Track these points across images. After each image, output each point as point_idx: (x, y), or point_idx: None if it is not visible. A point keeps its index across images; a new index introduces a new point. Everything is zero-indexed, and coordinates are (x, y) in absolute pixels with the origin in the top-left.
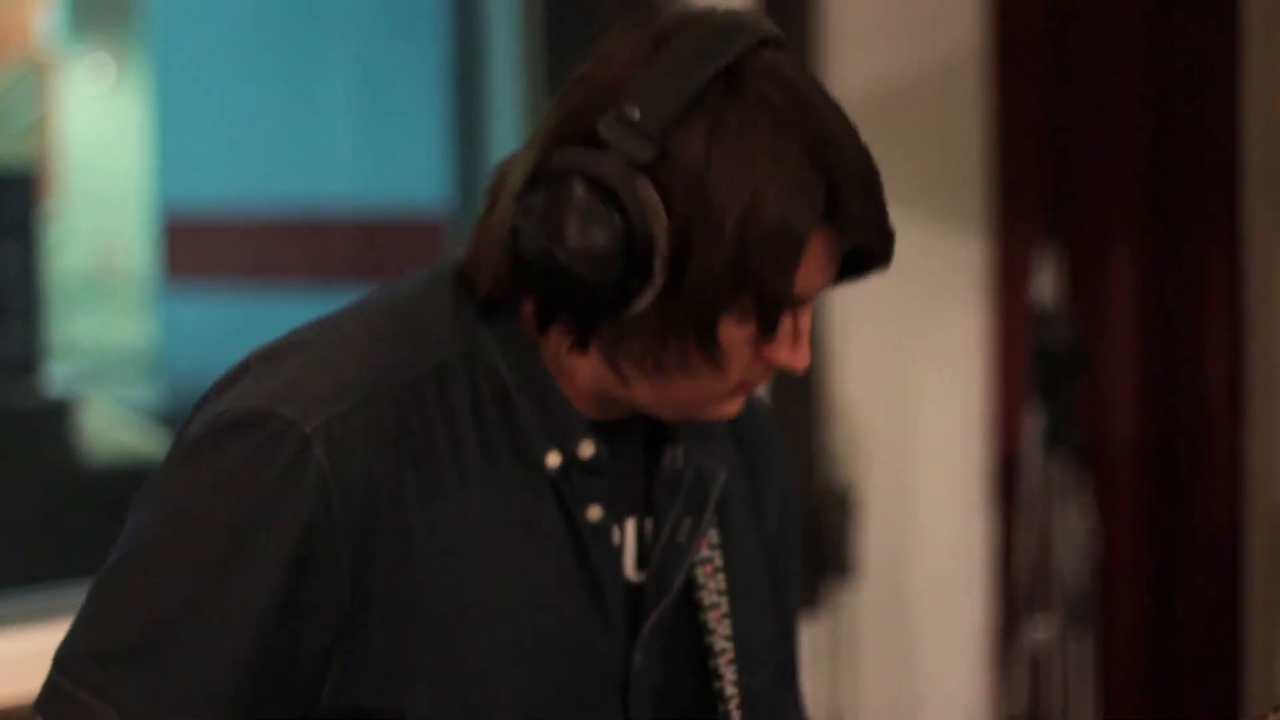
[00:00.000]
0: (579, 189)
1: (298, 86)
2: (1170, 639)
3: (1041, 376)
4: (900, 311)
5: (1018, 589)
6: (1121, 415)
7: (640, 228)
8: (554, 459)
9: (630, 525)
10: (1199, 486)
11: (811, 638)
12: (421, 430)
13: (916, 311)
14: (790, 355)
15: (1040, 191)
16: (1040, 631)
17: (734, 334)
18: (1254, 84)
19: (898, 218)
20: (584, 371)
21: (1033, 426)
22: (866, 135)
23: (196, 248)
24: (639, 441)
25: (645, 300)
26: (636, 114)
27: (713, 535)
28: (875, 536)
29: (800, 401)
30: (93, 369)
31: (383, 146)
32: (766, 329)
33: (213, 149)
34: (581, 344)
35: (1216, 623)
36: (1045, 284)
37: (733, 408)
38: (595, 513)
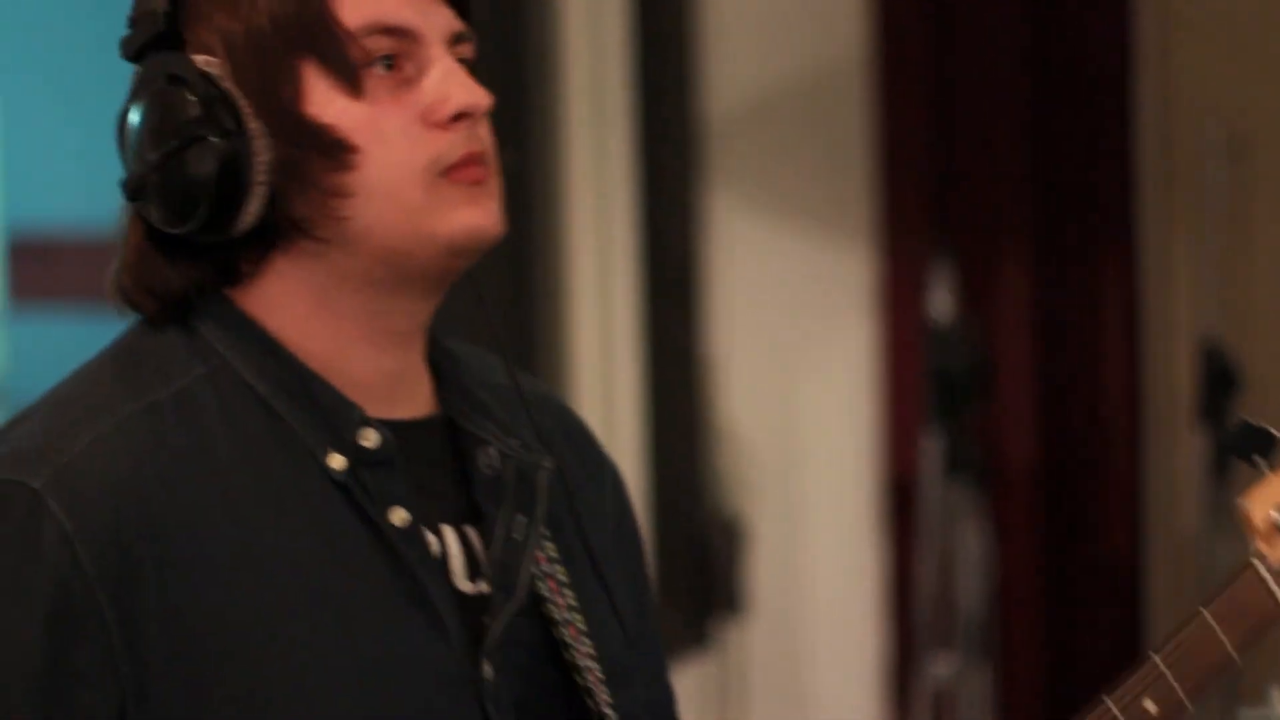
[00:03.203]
0: (132, 104)
1: None
2: (1070, 670)
3: (939, 397)
4: (785, 330)
5: (917, 621)
6: (1016, 436)
7: (189, 76)
8: (336, 460)
9: (450, 534)
10: (1097, 510)
11: (699, 677)
12: (170, 460)
13: (802, 329)
14: (460, 92)
15: (927, 203)
16: (941, 666)
17: (331, 102)
18: (1147, 89)
19: (780, 232)
20: (311, 309)
21: (930, 449)
22: (745, 146)
23: (45, 269)
24: (440, 446)
25: (258, 132)
26: (132, 13)
27: (549, 549)
28: (764, 568)
29: (683, 425)
30: None
31: None
32: (346, 72)
33: (61, 166)
34: (260, 242)
35: (1118, 652)
36: (938, 299)
37: (477, 211)
38: (400, 515)
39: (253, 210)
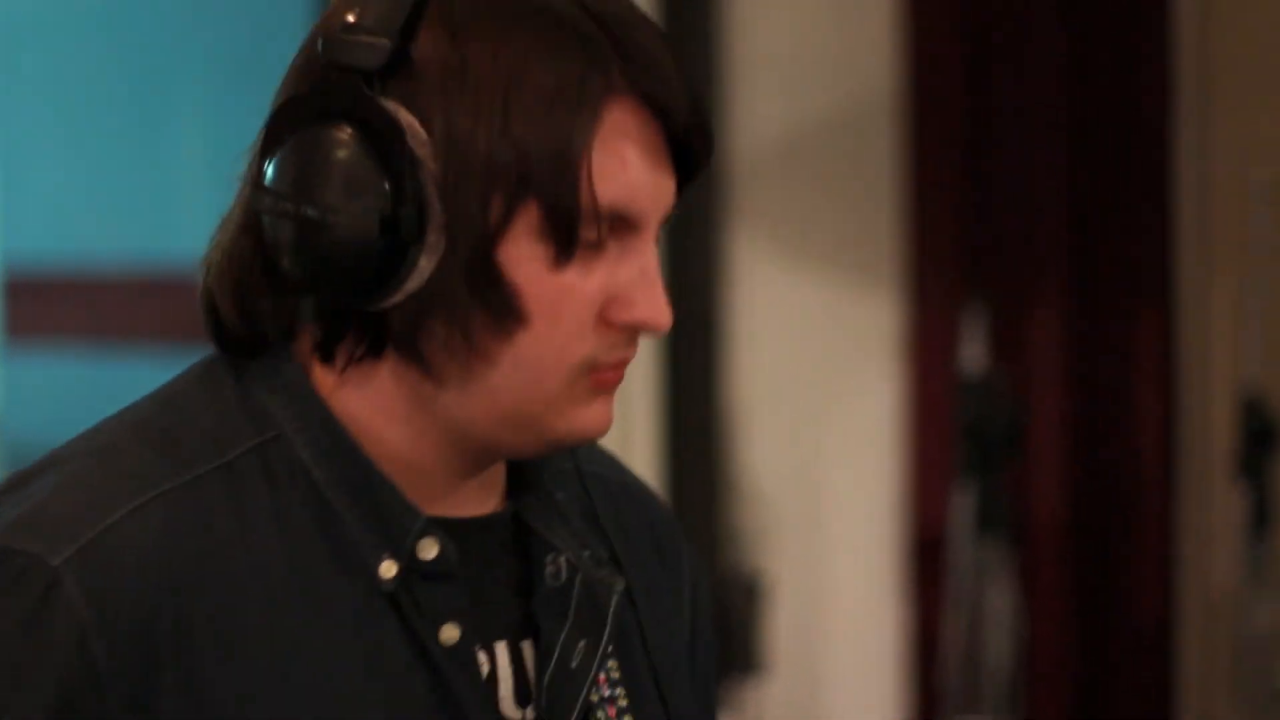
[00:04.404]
0: (312, 130)
1: (146, 139)
2: None
3: (971, 451)
4: (810, 379)
5: (942, 682)
6: (1046, 491)
7: (397, 151)
8: (388, 568)
9: (503, 651)
10: (1130, 569)
11: None
12: (212, 546)
13: (828, 379)
14: (648, 304)
15: (959, 248)
16: None
17: (529, 264)
18: (1187, 133)
19: (806, 278)
20: (391, 418)
21: (960, 505)
22: (771, 188)
23: (39, 307)
24: (504, 547)
25: (435, 245)
26: (351, 17)
27: (612, 668)
28: (785, 628)
29: (702, 476)
30: None
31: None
32: (563, 240)
33: (57, 204)
34: (375, 345)
35: (1148, 715)
36: (969, 349)
37: (597, 414)
38: (451, 633)
39: (388, 322)
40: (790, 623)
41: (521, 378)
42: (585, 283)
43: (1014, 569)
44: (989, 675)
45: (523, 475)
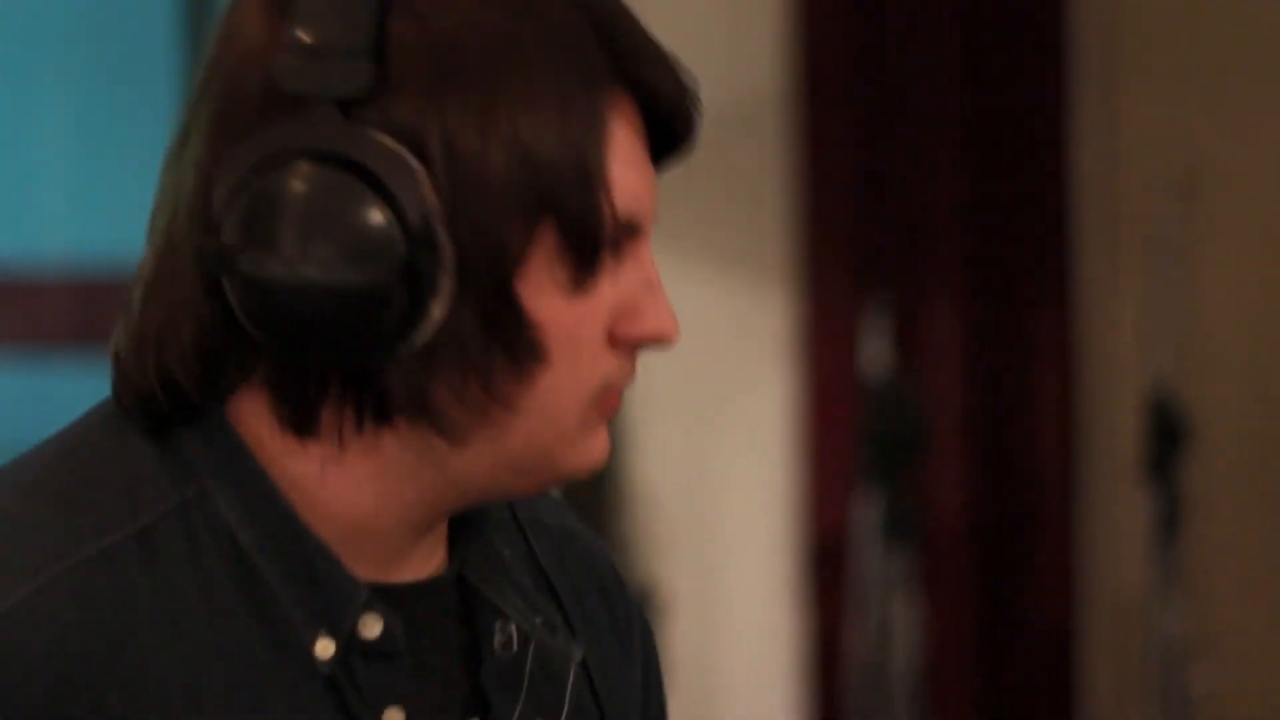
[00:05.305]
0: (291, 176)
1: (7, 133)
2: None
3: (876, 455)
4: (703, 383)
5: (844, 693)
6: (947, 494)
7: (397, 188)
8: (325, 647)
9: None
10: (1033, 576)
11: None
12: (128, 630)
13: (721, 382)
14: (656, 315)
15: (855, 246)
16: None
17: (548, 293)
18: (1091, 126)
19: (696, 277)
20: (386, 485)
21: (863, 511)
22: (662, 183)
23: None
24: (448, 614)
25: (446, 289)
26: (307, 37)
27: None
28: (681, 639)
29: (592, 486)
30: None
31: (104, 198)
32: (584, 262)
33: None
34: (382, 413)
35: None
36: (870, 349)
37: (603, 441)
38: (395, 718)
39: (387, 386)
40: (687, 635)
41: (543, 420)
42: (599, 303)
43: (916, 575)
44: (893, 685)
45: (465, 527)
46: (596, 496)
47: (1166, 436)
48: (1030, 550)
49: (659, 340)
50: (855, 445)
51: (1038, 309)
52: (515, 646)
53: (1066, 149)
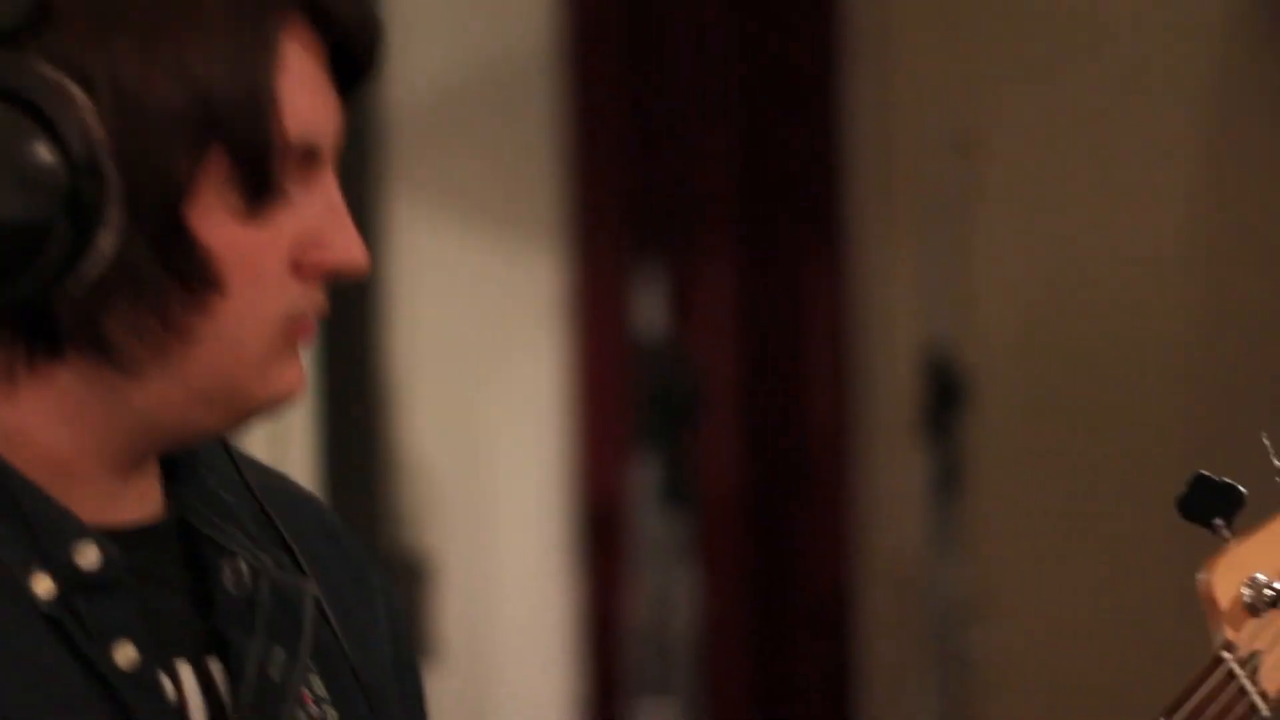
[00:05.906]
0: None
1: None
2: (779, 709)
3: (651, 418)
4: (472, 346)
5: (620, 663)
6: (720, 458)
7: (60, 120)
8: (44, 585)
9: (187, 672)
10: (808, 540)
11: None
12: None
13: (491, 345)
14: (343, 243)
15: (626, 205)
16: (646, 711)
17: (222, 221)
18: (864, 86)
19: (466, 238)
20: (65, 421)
21: (638, 475)
22: (429, 142)
23: None
24: (174, 557)
25: (114, 221)
26: None
27: (317, 685)
28: (452, 610)
29: (359, 452)
30: None
31: None
32: (257, 187)
33: None
34: (53, 347)
35: (829, 687)
36: (641, 310)
37: (295, 372)
38: (127, 653)
39: (61, 314)
40: (459, 606)
41: (223, 349)
42: (278, 230)
43: (692, 541)
44: (670, 652)
45: (176, 471)
46: (362, 462)
47: (943, 397)
48: (807, 513)
49: (347, 269)
50: (629, 409)
51: (813, 269)
52: (248, 583)
53: (841, 109)
